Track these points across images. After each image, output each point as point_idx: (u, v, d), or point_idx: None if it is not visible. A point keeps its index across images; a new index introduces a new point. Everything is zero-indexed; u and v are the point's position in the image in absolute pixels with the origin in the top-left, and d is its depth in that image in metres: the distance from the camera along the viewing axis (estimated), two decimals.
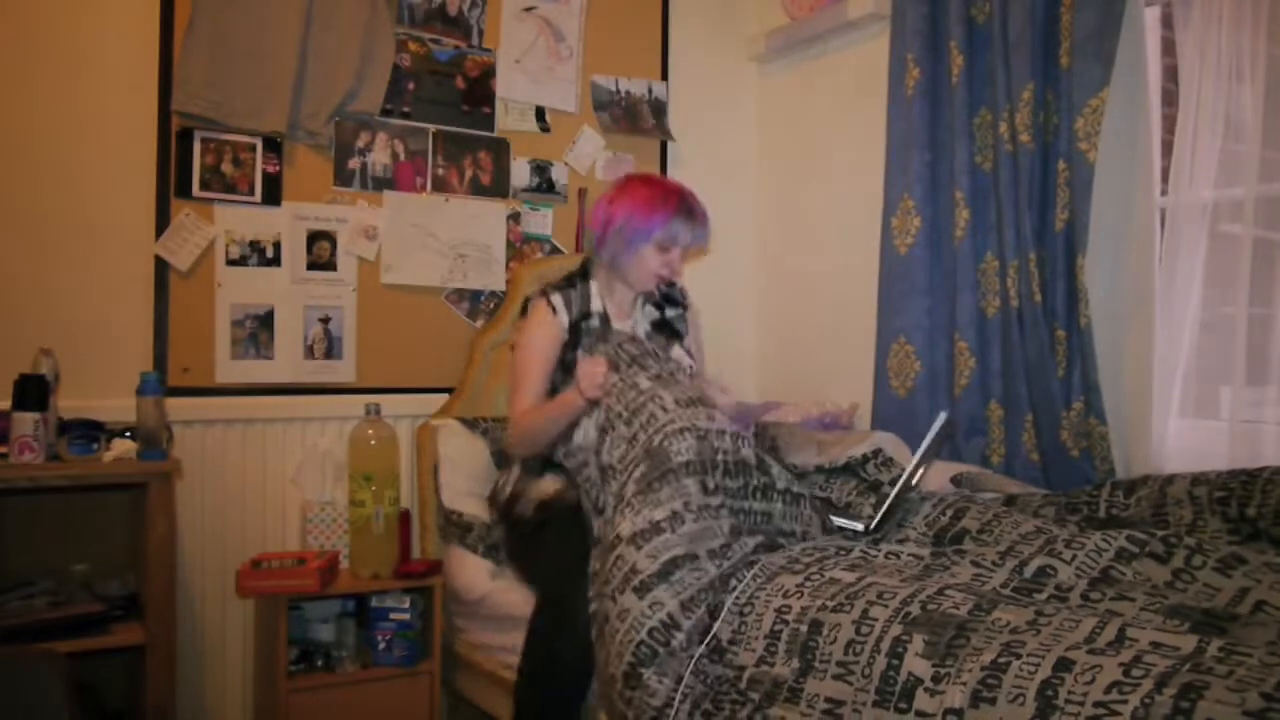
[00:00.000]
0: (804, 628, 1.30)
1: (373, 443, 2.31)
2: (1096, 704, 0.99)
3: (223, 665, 2.43)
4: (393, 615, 2.27)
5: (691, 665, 1.40)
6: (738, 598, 1.45)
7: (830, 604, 1.31)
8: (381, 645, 2.27)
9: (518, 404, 2.14)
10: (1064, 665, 1.04)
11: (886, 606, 1.25)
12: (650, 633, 1.42)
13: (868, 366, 2.64)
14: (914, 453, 2.28)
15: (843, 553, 1.53)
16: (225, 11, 2.37)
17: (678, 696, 1.37)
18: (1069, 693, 1.01)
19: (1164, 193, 2.21)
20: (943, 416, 1.87)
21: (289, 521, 2.50)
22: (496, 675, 2.12)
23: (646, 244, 2.12)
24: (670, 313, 2.31)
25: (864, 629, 1.24)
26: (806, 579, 1.41)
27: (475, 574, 2.21)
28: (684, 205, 2.14)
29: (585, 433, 2.03)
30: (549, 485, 2.10)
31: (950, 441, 2.34)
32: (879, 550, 1.53)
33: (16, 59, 2.23)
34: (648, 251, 2.13)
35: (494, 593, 2.14)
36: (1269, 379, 2.05)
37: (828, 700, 1.23)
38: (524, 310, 2.29)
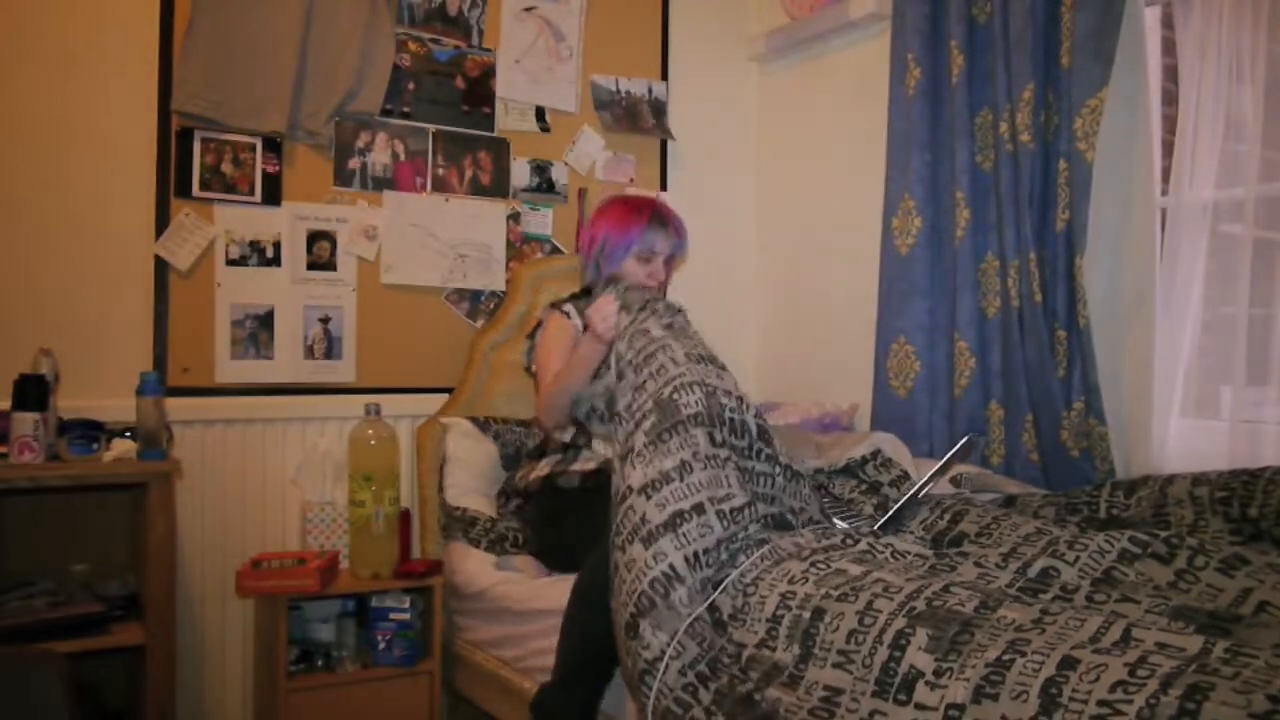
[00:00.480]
0: (806, 614, 1.29)
1: (373, 443, 2.30)
2: (1100, 703, 0.98)
3: (223, 665, 2.43)
4: (393, 615, 2.27)
5: (686, 625, 1.38)
6: (743, 575, 1.43)
7: (835, 593, 1.30)
8: (381, 645, 2.27)
9: (545, 378, 2.20)
10: (1069, 664, 1.04)
11: (891, 600, 1.25)
12: (651, 584, 1.40)
13: (868, 366, 2.64)
14: (914, 456, 2.28)
15: (850, 542, 1.52)
16: (225, 11, 2.37)
17: (669, 651, 1.35)
18: (1073, 690, 1.01)
19: (1164, 193, 2.21)
20: (968, 439, 1.88)
21: (289, 521, 2.50)
22: (497, 675, 2.12)
23: (627, 257, 2.23)
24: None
25: (867, 620, 1.23)
26: (812, 566, 1.39)
27: (477, 568, 2.22)
28: (656, 215, 2.25)
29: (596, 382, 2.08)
30: (593, 461, 2.14)
31: (968, 460, 2.31)
32: (885, 549, 1.53)
33: (15, 59, 2.23)
34: (630, 264, 2.24)
35: (496, 585, 2.14)
36: (1269, 379, 2.05)
37: (826, 688, 1.22)
38: (532, 335, 2.36)
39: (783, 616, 1.33)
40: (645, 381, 1.71)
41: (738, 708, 1.30)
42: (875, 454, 2.18)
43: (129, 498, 2.20)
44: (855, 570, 1.37)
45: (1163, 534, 1.39)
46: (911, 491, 1.82)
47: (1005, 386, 2.32)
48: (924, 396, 2.50)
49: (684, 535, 1.44)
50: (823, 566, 1.40)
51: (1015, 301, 2.25)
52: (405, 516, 2.47)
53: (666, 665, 1.35)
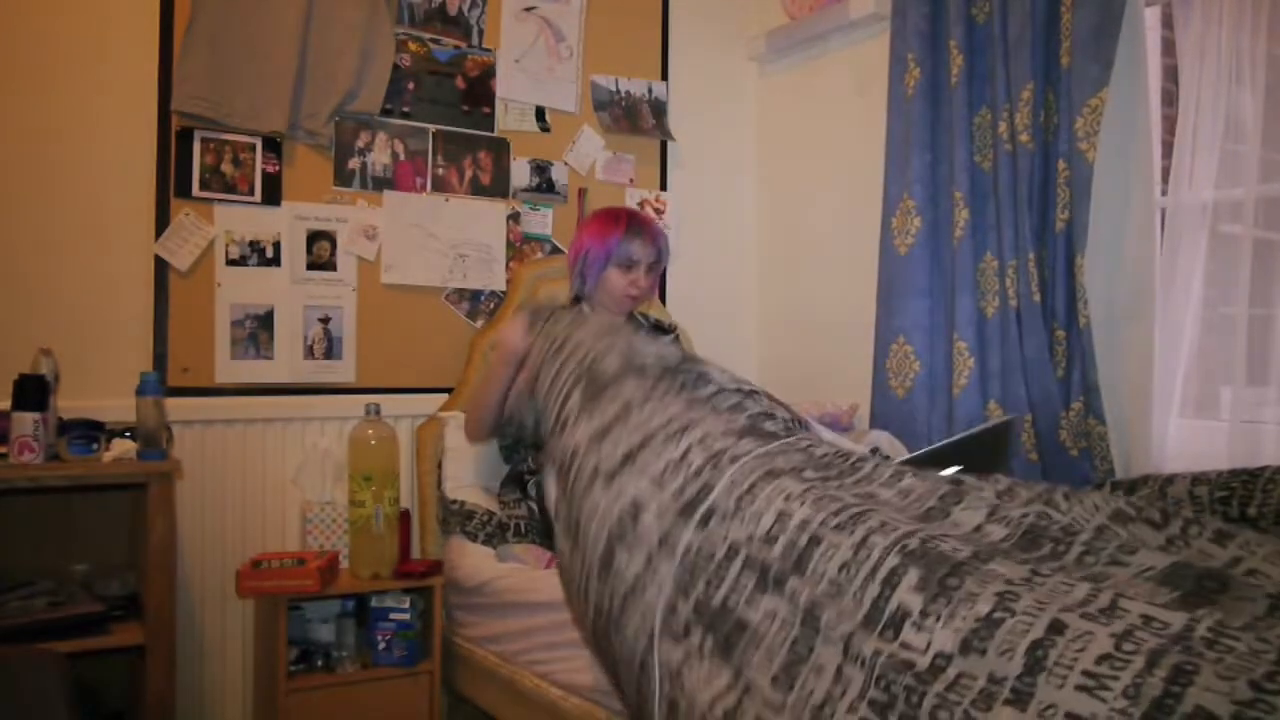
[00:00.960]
0: (803, 539, 1.28)
1: (373, 443, 2.31)
2: (1085, 673, 0.98)
3: (223, 665, 2.43)
4: (393, 615, 2.27)
5: (660, 536, 1.36)
6: (734, 482, 1.37)
7: (833, 521, 1.26)
8: (381, 645, 2.27)
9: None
10: (1057, 627, 1.04)
11: (886, 537, 1.23)
12: (619, 515, 1.40)
13: (867, 366, 2.64)
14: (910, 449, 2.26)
15: (851, 468, 1.44)
16: (225, 11, 2.38)
17: (648, 573, 1.33)
18: (1060, 656, 1.01)
19: (1163, 193, 2.21)
20: (1007, 420, 1.82)
21: (289, 521, 2.50)
22: (498, 673, 2.12)
23: (608, 266, 2.32)
24: (665, 339, 2.36)
25: (861, 554, 1.22)
26: (810, 489, 1.34)
27: (478, 561, 2.22)
28: (634, 224, 2.34)
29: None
30: None
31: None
32: (893, 478, 1.48)
33: (15, 58, 2.23)
34: (612, 274, 2.32)
35: (499, 578, 2.14)
36: (1269, 379, 2.05)
37: (810, 600, 1.21)
38: None
39: (778, 536, 1.30)
40: (561, 364, 1.71)
41: (716, 619, 1.27)
42: (874, 451, 2.18)
43: (129, 498, 2.20)
44: (853, 500, 1.32)
45: (1159, 505, 1.38)
46: (926, 450, 1.77)
47: (1004, 386, 2.32)
48: (923, 396, 2.50)
49: (641, 464, 1.42)
50: (819, 489, 1.34)
51: (1014, 302, 2.25)
52: (405, 516, 2.47)
53: (646, 585, 1.32)
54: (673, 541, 1.35)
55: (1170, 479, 1.77)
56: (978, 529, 1.33)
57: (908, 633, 1.11)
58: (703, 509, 1.36)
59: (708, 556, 1.32)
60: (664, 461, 1.43)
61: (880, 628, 1.14)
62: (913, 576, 1.16)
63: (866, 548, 1.21)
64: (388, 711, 2.25)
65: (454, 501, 2.37)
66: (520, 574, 2.11)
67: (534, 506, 2.25)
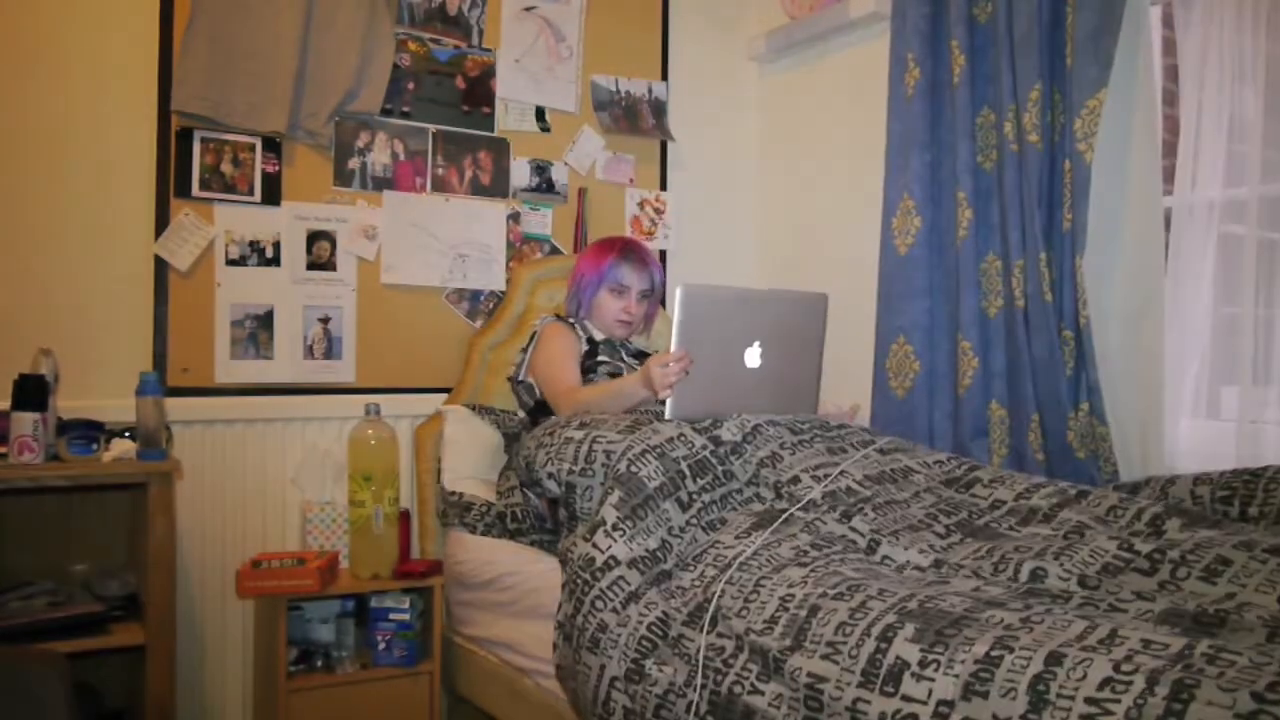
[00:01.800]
0: (803, 613, 1.32)
1: (372, 443, 2.31)
2: (1088, 700, 0.98)
3: (223, 665, 2.43)
4: (392, 615, 2.27)
5: (676, 649, 1.46)
6: (741, 587, 1.46)
7: (831, 592, 1.32)
8: (381, 645, 2.27)
9: (561, 381, 2.26)
10: (1055, 659, 1.04)
11: (884, 602, 1.26)
12: (649, 628, 1.51)
13: (868, 366, 2.64)
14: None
15: (851, 550, 1.54)
16: (225, 11, 2.37)
17: (679, 682, 1.43)
18: (1060, 688, 1.01)
19: (1167, 193, 2.21)
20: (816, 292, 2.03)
21: (289, 521, 2.50)
22: (499, 673, 2.12)
23: (600, 289, 2.40)
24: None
25: (858, 615, 1.25)
26: (812, 571, 1.42)
27: (480, 555, 2.22)
28: (625, 249, 2.42)
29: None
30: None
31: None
32: (887, 563, 1.55)
33: (16, 59, 2.23)
34: (604, 297, 2.40)
35: (504, 576, 2.14)
36: (1272, 379, 2.05)
37: (810, 675, 1.23)
38: (525, 348, 2.44)
39: (780, 618, 1.34)
40: (592, 444, 1.85)
41: (725, 711, 1.33)
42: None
43: (129, 498, 2.20)
44: (854, 575, 1.39)
45: (1146, 550, 1.38)
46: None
47: (1010, 387, 2.31)
48: (923, 397, 2.49)
49: (665, 590, 1.58)
50: (822, 569, 1.42)
51: (1020, 302, 2.25)
52: (405, 516, 2.47)
53: (677, 695, 1.41)
54: (684, 649, 1.46)
55: (1172, 480, 1.77)
56: (976, 590, 1.35)
57: (908, 685, 1.12)
58: (723, 611, 1.44)
59: (717, 649, 1.40)
60: (680, 585, 1.59)
61: (880, 683, 1.14)
62: (909, 630, 1.17)
63: (864, 610, 1.24)
64: (388, 711, 2.25)
65: (452, 493, 2.37)
66: (525, 570, 2.10)
67: (531, 495, 2.25)
